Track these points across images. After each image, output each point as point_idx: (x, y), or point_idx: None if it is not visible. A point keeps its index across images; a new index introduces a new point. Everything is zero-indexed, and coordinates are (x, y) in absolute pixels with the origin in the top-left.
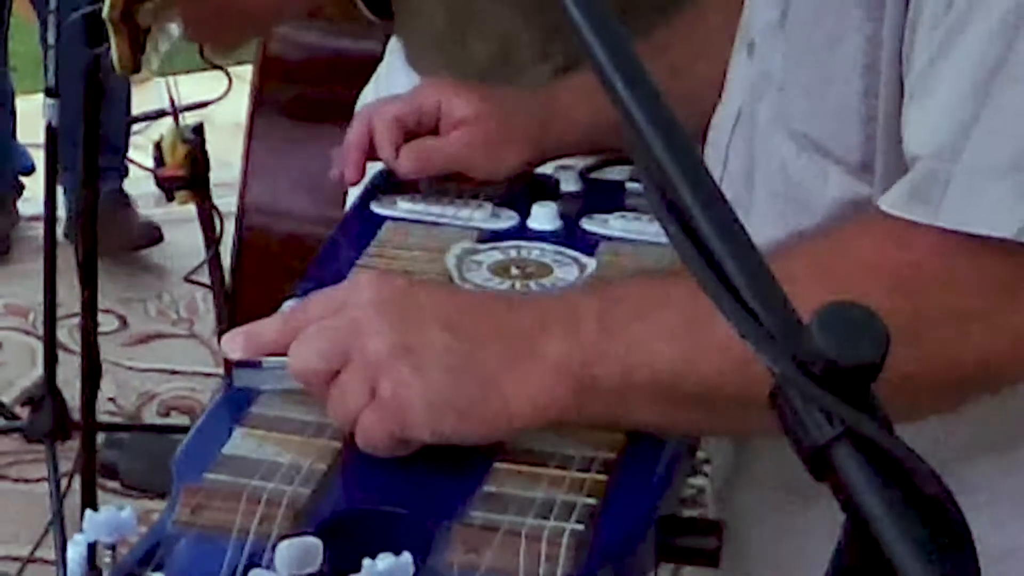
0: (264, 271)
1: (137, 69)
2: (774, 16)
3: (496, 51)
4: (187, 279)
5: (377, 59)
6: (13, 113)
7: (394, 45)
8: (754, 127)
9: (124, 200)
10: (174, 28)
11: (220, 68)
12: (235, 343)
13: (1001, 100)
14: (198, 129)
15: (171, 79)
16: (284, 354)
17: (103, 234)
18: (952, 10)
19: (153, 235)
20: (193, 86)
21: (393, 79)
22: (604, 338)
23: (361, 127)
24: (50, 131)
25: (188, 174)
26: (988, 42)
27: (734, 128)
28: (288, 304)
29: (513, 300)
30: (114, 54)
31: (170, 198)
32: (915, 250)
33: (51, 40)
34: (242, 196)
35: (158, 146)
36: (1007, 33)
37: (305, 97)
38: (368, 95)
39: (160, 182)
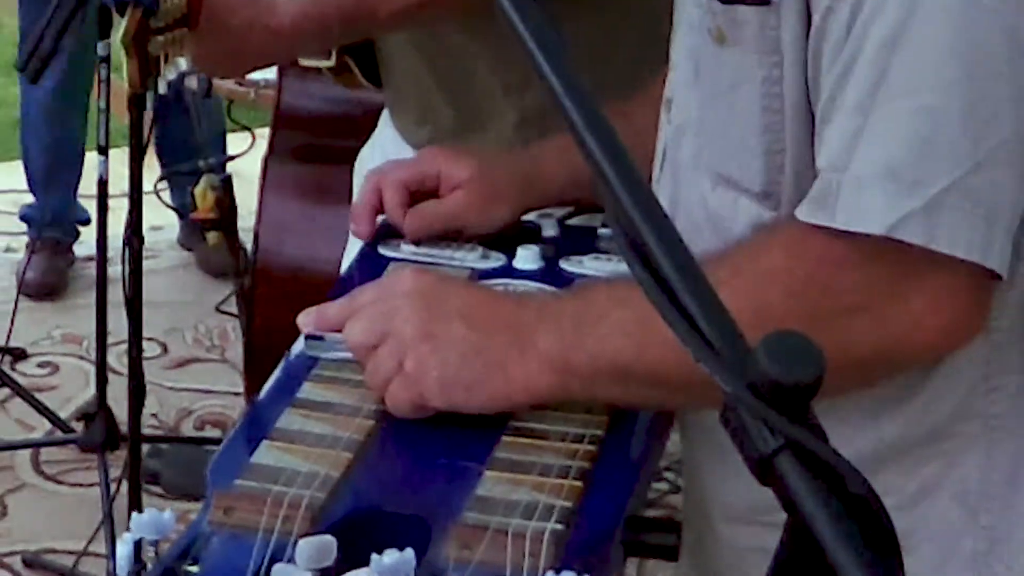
0: (274, 302)
1: (145, 89)
2: (689, 74)
3: (463, 110)
4: (218, 309)
5: (377, 111)
6: (79, 174)
7: (385, 114)
8: (676, 169)
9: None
10: (183, 62)
11: (246, 128)
12: (308, 319)
13: (878, 116)
14: (226, 179)
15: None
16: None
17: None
18: (846, 46)
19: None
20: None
21: (385, 139)
22: (577, 333)
23: (371, 189)
24: (101, 184)
25: (218, 217)
26: (869, 67)
27: (661, 171)
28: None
29: (519, 299)
30: (125, 74)
31: (203, 238)
32: (808, 258)
33: (102, 105)
34: (256, 230)
35: (192, 194)
36: (883, 59)
37: (313, 144)
38: (365, 155)
39: (194, 224)
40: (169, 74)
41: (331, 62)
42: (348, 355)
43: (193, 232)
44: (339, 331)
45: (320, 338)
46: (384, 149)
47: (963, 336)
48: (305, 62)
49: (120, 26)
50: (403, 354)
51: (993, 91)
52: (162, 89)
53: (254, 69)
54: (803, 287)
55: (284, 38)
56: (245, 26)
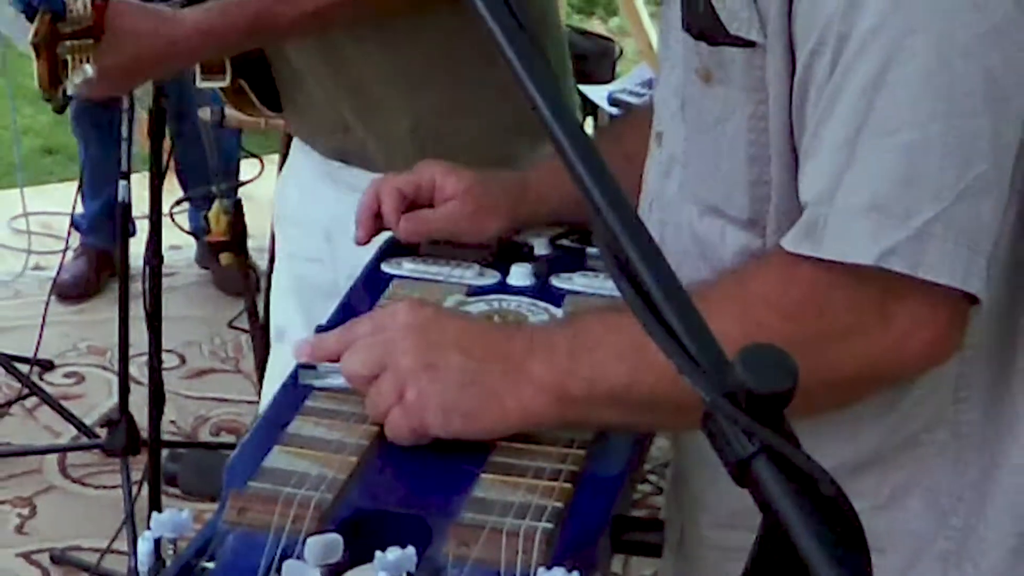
0: None
1: (53, 89)
2: (675, 108)
3: (364, 116)
4: (230, 325)
5: None
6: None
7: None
8: (665, 198)
9: None
10: (89, 68)
11: (254, 155)
12: (304, 350)
13: (863, 153)
14: (237, 203)
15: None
16: (338, 361)
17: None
18: (830, 83)
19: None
20: None
21: (298, 167)
22: (572, 361)
23: (370, 196)
24: (124, 208)
25: (230, 238)
26: (853, 106)
27: (651, 202)
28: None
29: (511, 330)
30: (35, 74)
31: (216, 258)
32: (801, 283)
33: (124, 133)
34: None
35: (206, 217)
36: (867, 98)
37: None
38: (279, 188)
39: (209, 245)
40: (76, 78)
41: (226, 82)
42: (342, 384)
43: (209, 252)
44: (335, 361)
45: (314, 367)
46: (297, 179)
47: (943, 354)
48: (202, 84)
49: (31, 29)
50: (403, 385)
51: (971, 127)
52: (69, 91)
53: (156, 78)
54: (797, 309)
55: (187, 45)
56: (148, 33)
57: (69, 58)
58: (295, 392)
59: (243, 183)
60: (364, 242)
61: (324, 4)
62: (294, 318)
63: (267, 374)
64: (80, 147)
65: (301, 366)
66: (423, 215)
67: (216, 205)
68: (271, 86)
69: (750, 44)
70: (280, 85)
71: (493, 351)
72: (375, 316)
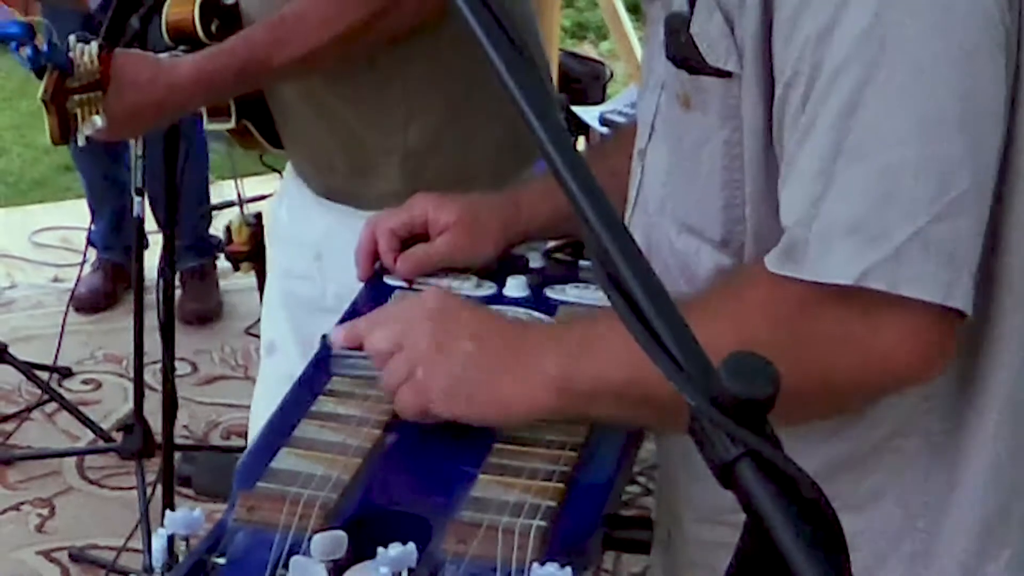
0: None
1: (65, 142)
2: (657, 131)
3: (352, 154)
4: (247, 332)
5: None
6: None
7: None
8: (646, 214)
9: (201, 275)
10: (98, 120)
11: (275, 171)
12: (339, 335)
13: (839, 177)
14: (257, 216)
15: (239, 180)
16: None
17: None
18: (806, 111)
19: (216, 312)
20: (254, 184)
21: (289, 190)
22: (577, 358)
23: (367, 237)
24: (138, 222)
25: (250, 249)
26: (828, 133)
27: (632, 215)
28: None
29: (523, 325)
30: (47, 128)
31: (236, 267)
32: (790, 297)
33: (138, 152)
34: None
35: (228, 228)
36: (842, 124)
37: None
38: (273, 207)
39: (229, 255)
40: (87, 130)
41: (231, 124)
42: (369, 369)
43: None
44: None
45: (343, 355)
46: (290, 201)
47: (933, 367)
48: (209, 127)
49: (40, 86)
50: (415, 363)
51: (946, 150)
52: (81, 143)
53: (160, 123)
54: (789, 320)
55: (184, 90)
56: (148, 82)
57: (78, 111)
58: (302, 396)
59: (263, 196)
60: (365, 279)
61: (313, 47)
62: (285, 333)
63: (257, 387)
64: (79, 171)
65: (333, 355)
66: (418, 254)
67: (238, 217)
68: (271, 123)
69: (727, 74)
70: (276, 121)
71: (506, 343)
72: (406, 299)
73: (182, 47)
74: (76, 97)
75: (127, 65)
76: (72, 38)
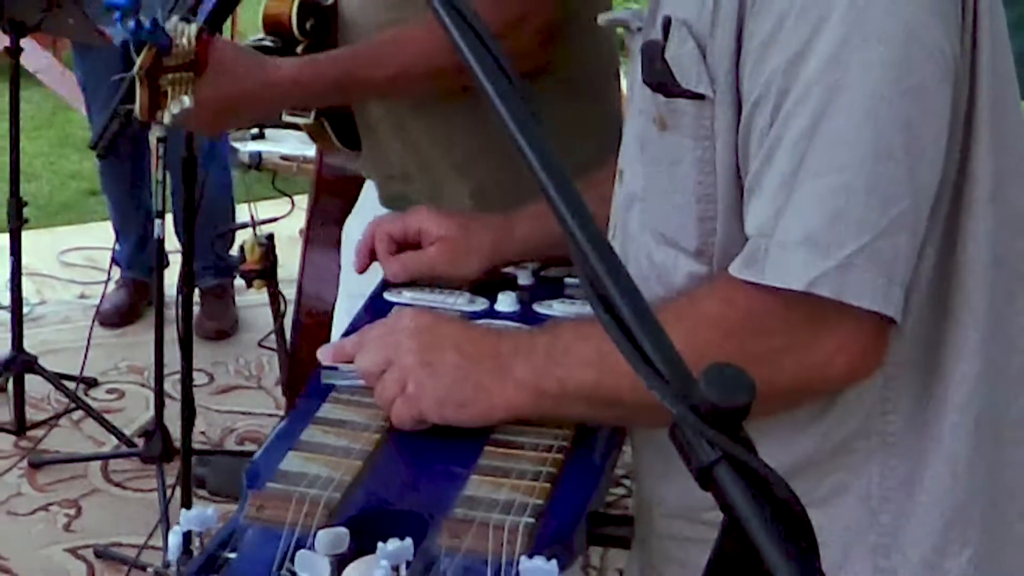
0: (315, 339)
1: (152, 118)
2: (636, 151)
3: (424, 177)
4: (260, 344)
5: None
6: (145, 228)
7: (368, 184)
8: (626, 230)
9: (219, 294)
10: (187, 99)
11: (286, 195)
12: (327, 352)
13: (798, 193)
14: (270, 237)
15: (252, 204)
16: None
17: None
18: (771, 131)
19: (232, 329)
20: (267, 207)
21: (366, 206)
22: (548, 363)
23: (368, 236)
24: (159, 243)
25: (262, 268)
26: (791, 152)
27: (614, 230)
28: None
29: (501, 334)
30: (137, 102)
31: (249, 285)
32: (739, 307)
33: (159, 176)
34: (300, 283)
35: (241, 248)
36: (803, 145)
37: (346, 209)
38: (351, 223)
39: (242, 273)
40: (174, 108)
41: (309, 119)
42: (358, 382)
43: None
44: (351, 362)
45: (335, 368)
46: (366, 217)
47: (866, 370)
48: (287, 118)
49: (137, 61)
50: (405, 379)
51: (893, 172)
52: (167, 120)
53: (247, 118)
54: (736, 330)
55: (279, 88)
56: (245, 74)
57: (170, 89)
58: (309, 404)
59: (275, 219)
60: (361, 271)
61: (406, 71)
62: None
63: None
64: (106, 195)
65: (324, 368)
66: (407, 260)
67: (251, 238)
68: (348, 126)
69: (700, 97)
70: (360, 128)
71: (483, 352)
72: (385, 321)
73: (271, 38)
74: (169, 76)
75: (227, 53)
76: (175, 18)
